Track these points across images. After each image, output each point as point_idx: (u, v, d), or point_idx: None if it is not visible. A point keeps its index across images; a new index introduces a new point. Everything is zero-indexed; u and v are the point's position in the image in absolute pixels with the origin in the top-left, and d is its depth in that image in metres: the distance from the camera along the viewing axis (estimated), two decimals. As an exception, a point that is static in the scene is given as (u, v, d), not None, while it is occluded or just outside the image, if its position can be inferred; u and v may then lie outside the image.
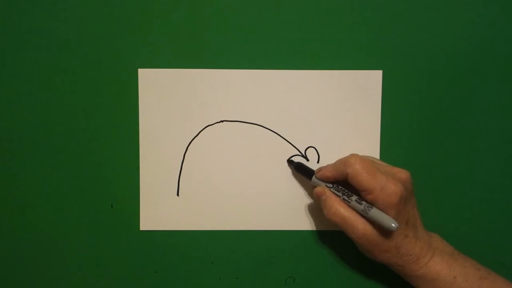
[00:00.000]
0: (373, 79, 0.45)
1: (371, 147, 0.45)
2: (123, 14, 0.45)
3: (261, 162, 0.46)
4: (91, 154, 0.45)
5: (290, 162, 0.45)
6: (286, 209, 0.46)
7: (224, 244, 0.46)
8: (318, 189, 0.42)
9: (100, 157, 0.45)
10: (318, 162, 0.46)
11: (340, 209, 0.40)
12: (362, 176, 0.39)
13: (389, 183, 0.38)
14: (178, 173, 0.46)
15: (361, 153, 0.43)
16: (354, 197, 0.40)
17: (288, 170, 0.46)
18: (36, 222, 0.46)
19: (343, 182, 0.41)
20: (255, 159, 0.46)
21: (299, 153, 0.46)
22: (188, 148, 0.46)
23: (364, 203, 0.39)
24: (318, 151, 0.46)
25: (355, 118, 0.45)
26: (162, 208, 0.46)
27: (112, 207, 0.46)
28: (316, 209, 0.46)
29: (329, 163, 0.43)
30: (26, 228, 0.46)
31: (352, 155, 0.40)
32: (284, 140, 0.46)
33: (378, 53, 0.45)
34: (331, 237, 0.46)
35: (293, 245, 0.46)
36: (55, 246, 0.46)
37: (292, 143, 0.46)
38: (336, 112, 0.45)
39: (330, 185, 0.42)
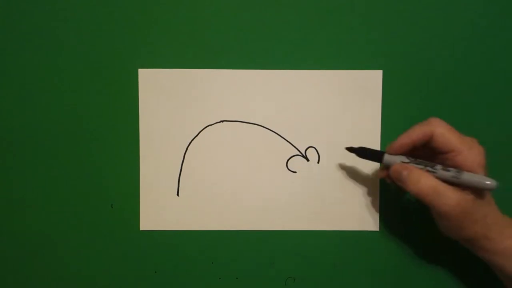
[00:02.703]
0: (373, 79, 0.45)
1: (371, 147, 0.45)
2: (123, 14, 0.45)
3: (261, 162, 0.46)
4: (91, 154, 0.45)
5: (349, 149, 0.42)
6: (286, 209, 0.46)
7: (224, 244, 0.46)
8: (396, 166, 0.38)
9: (100, 157, 0.45)
10: (318, 162, 0.46)
11: (428, 180, 0.36)
12: (451, 134, 0.36)
13: (473, 142, 0.36)
14: (178, 173, 0.46)
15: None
16: (438, 166, 0.36)
17: (288, 170, 0.46)
18: (36, 222, 0.46)
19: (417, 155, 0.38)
20: (255, 159, 0.46)
21: (299, 153, 0.46)
22: (188, 148, 0.46)
23: (451, 169, 0.36)
24: (318, 151, 0.46)
25: (355, 118, 0.45)
26: (162, 208, 0.46)
27: (112, 207, 0.46)
28: (316, 209, 0.46)
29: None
30: (26, 228, 0.46)
31: (432, 117, 0.37)
32: (284, 140, 0.46)
33: (378, 53, 0.45)
34: (331, 237, 0.46)
35: (293, 245, 0.46)
36: (55, 246, 0.46)
37: (292, 143, 0.46)
38: (336, 112, 0.45)
39: (407, 160, 0.38)
